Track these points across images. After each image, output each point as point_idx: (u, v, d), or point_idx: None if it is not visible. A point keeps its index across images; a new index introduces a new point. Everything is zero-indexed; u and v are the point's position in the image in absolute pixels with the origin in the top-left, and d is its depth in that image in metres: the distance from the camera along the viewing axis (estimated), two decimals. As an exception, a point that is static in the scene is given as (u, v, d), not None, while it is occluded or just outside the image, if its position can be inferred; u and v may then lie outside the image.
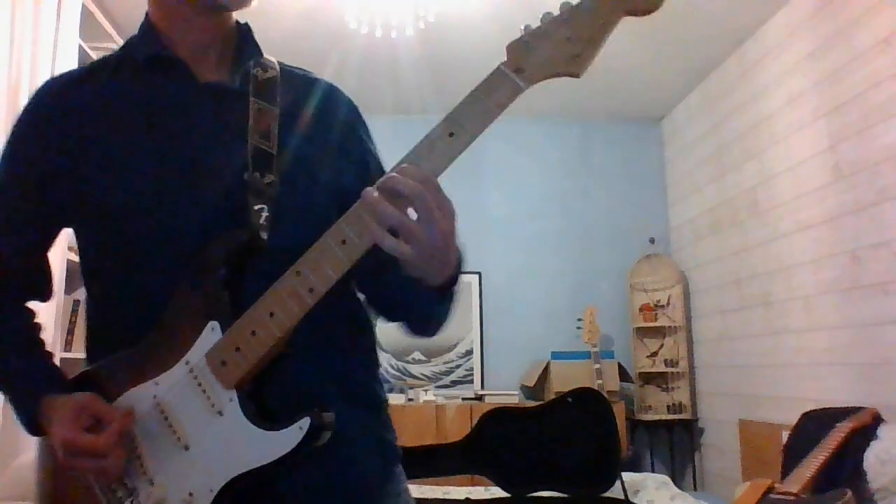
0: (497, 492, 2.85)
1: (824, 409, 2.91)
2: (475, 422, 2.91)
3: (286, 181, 0.88)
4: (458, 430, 3.58)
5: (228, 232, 0.83)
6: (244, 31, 0.98)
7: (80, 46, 2.94)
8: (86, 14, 3.05)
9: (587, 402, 2.91)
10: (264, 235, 0.84)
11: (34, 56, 2.56)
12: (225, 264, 0.82)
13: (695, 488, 4.45)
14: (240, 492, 0.80)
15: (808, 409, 2.97)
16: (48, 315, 2.54)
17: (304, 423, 0.77)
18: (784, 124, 3.53)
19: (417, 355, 4.66)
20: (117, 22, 3.53)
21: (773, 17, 3.63)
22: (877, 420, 2.63)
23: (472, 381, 4.64)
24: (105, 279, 0.91)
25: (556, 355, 4.34)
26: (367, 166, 0.99)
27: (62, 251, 2.73)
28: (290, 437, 0.77)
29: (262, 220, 0.84)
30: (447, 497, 2.91)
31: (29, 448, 2.32)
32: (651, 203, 5.04)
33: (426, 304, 0.88)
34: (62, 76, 0.98)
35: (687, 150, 4.74)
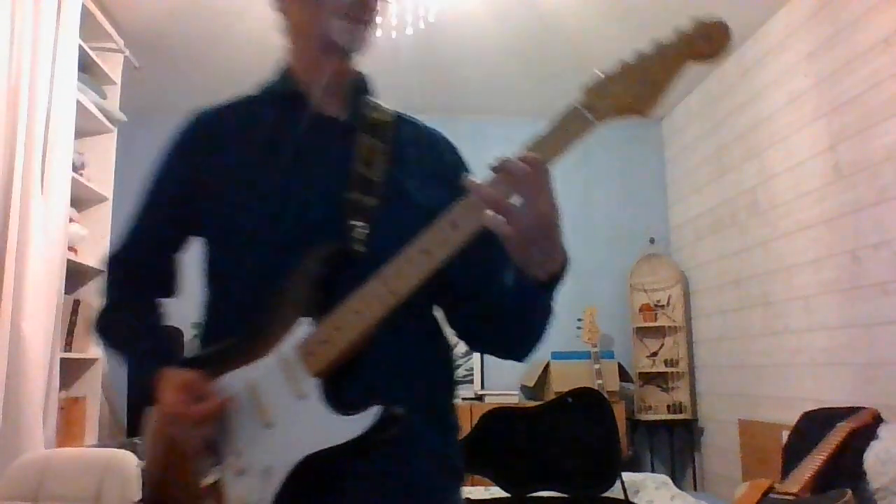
0: (497, 492, 2.85)
1: (824, 409, 2.91)
2: (475, 422, 2.91)
3: (385, 205, 1.01)
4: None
5: (327, 242, 0.97)
6: (365, 78, 1.15)
7: (80, 46, 2.94)
8: (86, 14, 3.05)
9: (587, 402, 2.91)
10: (361, 248, 0.97)
11: (34, 56, 2.56)
12: (322, 269, 0.95)
13: (695, 488, 4.45)
14: (311, 470, 0.89)
15: (808, 409, 2.97)
16: (48, 315, 2.54)
17: (375, 410, 0.87)
18: (784, 124, 3.53)
19: (417, 355, 4.66)
20: (117, 22, 3.53)
21: (773, 17, 3.64)
22: (877, 420, 2.63)
23: (472, 381, 4.64)
24: (221, 279, 1.06)
25: (556, 355, 4.34)
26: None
27: (62, 252, 2.73)
28: (361, 422, 0.87)
29: (359, 235, 0.98)
30: (447, 497, 2.91)
31: (29, 448, 2.32)
32: (651, 203, 5.04)
33: (526, 303, 0.95)
34: (210, 108, 1.14)
35: (687, 150, 4.74)
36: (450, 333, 1.10)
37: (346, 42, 1.05)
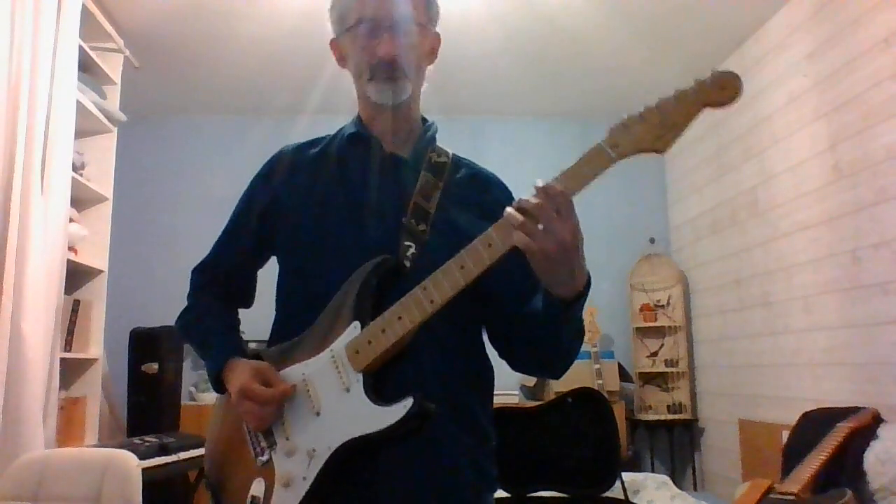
0: (497, 492, 2.85)
1: (824, 409, 2.91)
2: (475, 422, 2.91)
3: (435, 231, 1.15)
4: (458, 430, 3.57)
5: (380, 258, 1.11)
6: (429, 125, 1.30)
7: (80, 46, 2.94)
8: (86, 14, 3.05)
9: (587, 402, 2.91)
10: (408, 265, 1.12)
11: (34, 56, 2.56)
12: (375, 279, 1.09)
13: (695, 488, 4.45)
14: (350, 455, 1.03)
15: (808, 409, 2.97)
16: (48, 315, 2.54)
17: (408, 402, 1.00)
18: (784, 124, 3.53)
19: (417, 355, 4.66)
20: (117, 22, 3.53)
21: (773, 17, 3.64)
22: (877, 420, 2.63)
23: (472, 381, 4.64)
24: (289, 287, 1.23)
25: (556, 355, 4.33)
26: None
27: (62, 252, 2.73)
28: (396, 412, 1.00)
29: (408, 254, 1.13)
30: (447, 497, 2.91)
31: (29, 448, 2.32)
32: (651, 203, 5.04)
33: (553, 321, 1.05)
34: (293, 144, 1.31)
35: (687, 150, 4.74)
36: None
37: (381, 100, 1.20)
